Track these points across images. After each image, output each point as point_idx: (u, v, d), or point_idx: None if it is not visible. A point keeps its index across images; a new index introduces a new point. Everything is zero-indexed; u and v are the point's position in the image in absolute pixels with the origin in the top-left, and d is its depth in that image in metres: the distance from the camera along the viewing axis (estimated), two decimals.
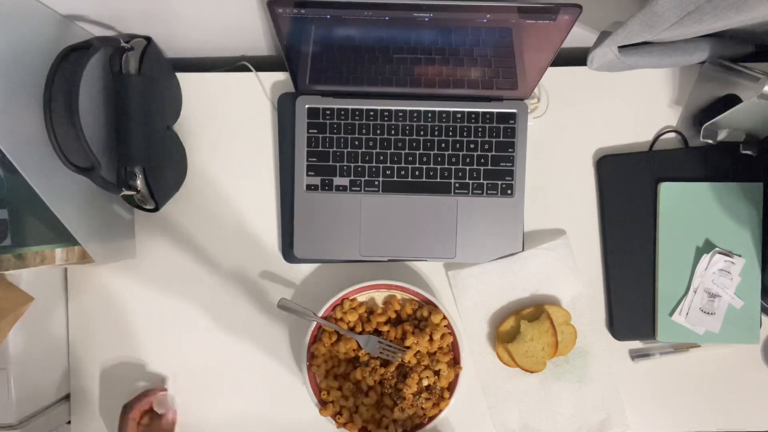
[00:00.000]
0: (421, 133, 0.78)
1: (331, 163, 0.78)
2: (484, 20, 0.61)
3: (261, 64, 0.81)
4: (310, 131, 0.78)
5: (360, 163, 0.78)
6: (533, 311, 0.80)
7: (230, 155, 0.82)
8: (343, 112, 0.78)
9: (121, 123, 0.69)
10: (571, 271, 0.80)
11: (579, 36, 0.71)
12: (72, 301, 0.82)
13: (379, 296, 0.80)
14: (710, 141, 0.77)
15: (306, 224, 0.79)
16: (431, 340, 0.76)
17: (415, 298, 0.79)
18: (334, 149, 0.78)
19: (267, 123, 0.82)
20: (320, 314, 0.76)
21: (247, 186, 0.82)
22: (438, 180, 0.78)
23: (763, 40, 0.74)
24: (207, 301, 0.82)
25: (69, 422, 0.82)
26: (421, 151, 0.78)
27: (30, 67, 0.60)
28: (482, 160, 0.78)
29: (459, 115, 0.78)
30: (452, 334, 0.77)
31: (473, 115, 0.78)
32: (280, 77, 0.81)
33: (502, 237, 0.79)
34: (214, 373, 0.82)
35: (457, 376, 0.76)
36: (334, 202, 0.79)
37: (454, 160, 0.78)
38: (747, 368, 0.81)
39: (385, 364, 0.76)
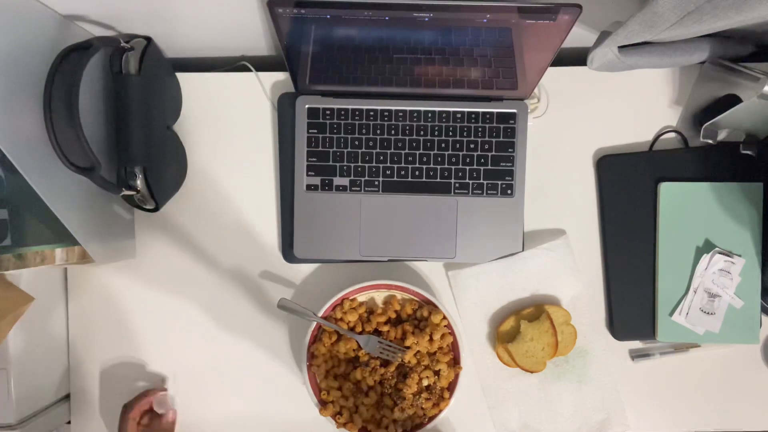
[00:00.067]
0: (421, 133, 0.78)
1: (331, 163, 0.78)
2: (484, 20, 0.61)
3: (261, 64, 0.81)
4: (310, 131, 0.78)
5: (360, 163, 0.78)
6: (533, 311, 0.80)
7: (230, 155, 0.82)
8: (343, 112, 0.78)
9: (121, 123, 0.69)
10: (571, 271, 0.80)
11: (579, 36, 0.71)
12: (72, 301, 0.82)
13: (379, 296, 0.80)
14: (710, 141, 0.77)
15: (306, 224, 0.79)
16: (431, 340, 0.76)
17: (415, 298, 0.79)
18: (334, 149, 0.78)
19: (267, 123, 0.82)
20: (320, 314, 0.76)
21: (247, 186, 0.82)
22: (438, 180, 0.78)
23: (763, 40, 0.74)
24: (207, 301, 0.82)
25: (69, 422, 0.82)
26: (421, 151, 0.78)
27: (30, 67, 0.60)
28: (482, 160, 0.78)
29: (459, 115, 0.78)
30: (452, 334, 0.77)
31: (473, 115, 0.78)
32: (280, 77, 0.81)
33: (502, 237, 0.79)
34: (214, 373, 0.82)
35: (457, 376, 0.76)
36: (334, 202, 0.79)
37: (454, 160, 0.78)
38: (747, 368, 0.81)
39: (385, 364, 0.76)
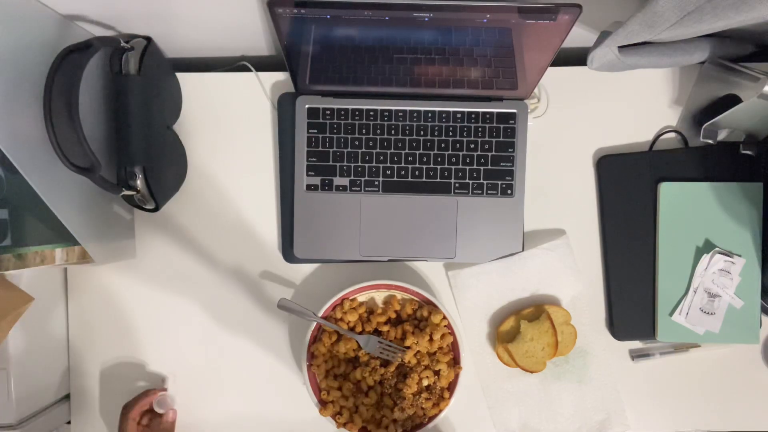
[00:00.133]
0: (421, 133, 0.78)
1: (331, 163, 0.78)
2: (484, 20, 0.61)
3: (261, 64, 0.81)
4: (310, 131, 0.78)
5: (360, 163, 0.78)
6: (533, 311, 0.80)
7: (230, 155, 0.82)
8: (343, 112, 0.78)
9: (121, 123, 0.69)
10: (571, 271, 0.80)
11: (579, 36, 0.71)
12: (72, 301, 0.82)
13: (379, 296, 0.80)
14: (710, 141, 0.77)
15: (306, 224, 0.79)
16: (431, 340, 0.76)
17: (415, 298, 0.79)
18: (334, 149, 0.78)
19: (267, 123, 0.82)
20: (320, 314, 0.76)
21: (247, 186, 0.82)
22: (438, 180, 0.78)
23: (763, 40, 0.74)
24: (207, 301, 0.82)
25: (69, 422, 0.82)
26: (421, 151, 0.78)
27: (30, 67, 0.60)
28: (482, 160, 0.78)
29: (459, 115, 0.78)
30: (452, 334, 0.77)
31: (473, 115, 0.78)
32: (280, 77, 0.81)
33: (502, 237, 0.79)
34: (214, 372, 0.82)
35: (457, 376, 0.76)
36: (334, 202, 0.79)
37: (454, 160, 0.78)
38: (747, 368, 0.81)
39: (385, 364, 0.76)
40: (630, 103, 0.81)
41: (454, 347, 0.77)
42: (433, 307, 0.77)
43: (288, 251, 0.80)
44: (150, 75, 0.70)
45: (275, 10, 0.60)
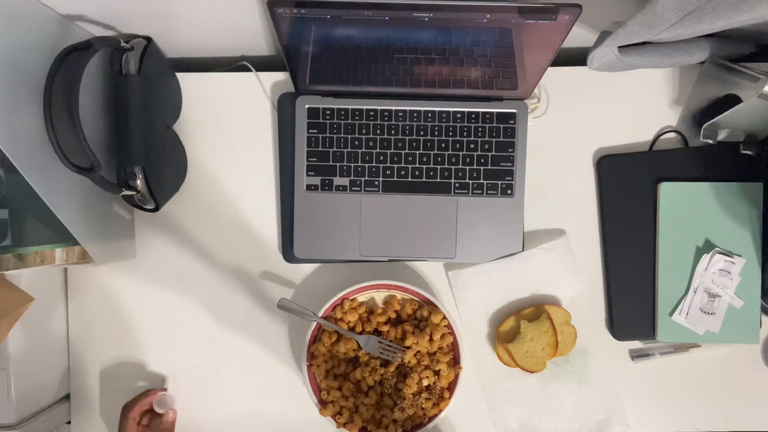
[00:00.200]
0: (421, 133, 0.78)
1: (331, 163, 0.78)
2: (484, 20, 0.61)
3: (261, 64, 0.81)
4: (310, 131, 0.78)
5: (360, 163, 0.78)
6: (533, 311, 0.80)
7: (230, 155, 0.82)
8: (343, 112, 0.78)
9: (121, 123, 0.69)
10: (571, 271, 0.80)
11: (579, 36, 0.71)
12: (72, 301, 0.82)
13: (379, 296, 0.80)
14: (710, 141, 0.77)
15: (306, 224, 0.79)
16: (431, 340, 0.76)
17: (415, 298, 0.79)
18: (334, 149, 0.78)
19: (267, 123, 0.82)
20: (320, 314, 0.76)
21: (247, 186, 0.82)
22: (438, 180, 0.78)
23: (763, 40, 0.74)
24: (207, 300, 0.82)
25: (69, 422, 0.82)
26: (421, 151, 0.78)
27: (30, 67, 0.60)
28: (482, 160, 0.78)
29: (459, 115, 0.78)
30: (452, 334, 0.77)
31: (473, 115, 0.78)
32: (280, 77, 0.81)
33: (502, 237, 0.79)
34: (214, 373, 0.82)
35: (457, 376, 0.76)
36: (334, 202, 0.79)
37: (454, 160, 0.78)
38: (747, 368, 0.81)
39: (385, 364, 0.76)
40: (630, 103, 0.81)
41: (454, 347, 0.77)
42: (433, 307, 0.77)
43: (288, 251, 0.80)
44: (150, 75, 0.70)
45: (275, 10, 0.60)
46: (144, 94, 0.69)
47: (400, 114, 0.78)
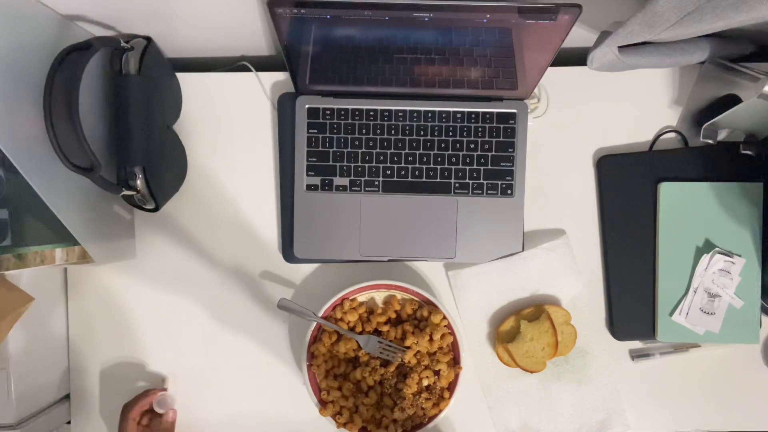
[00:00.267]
0: (421, 133, 0.78)
1: (331, 163, 0.78)
2: (484, 20, 0.61)
3: (261, 64, 0.81)
4: (310, 131, 0.78)
5: (360, 163, 0.78)
6: (533, 311, 0.80)
7: (230, 155, 0.82)
8: (343, 112, 0.78)
9: (121, 123, 0.69)
10: (571, 271, 0.80)
11: (579, 36, 0.71)
12: (72, 301, 0.82)
13: (379, 296, 0.80)
14: (710, 141, 0.77)
15: (306, 224, 0.79)
16: (431, 340, 0.76)
17: (415, 298, 0.79)
18: (334, 149, 0.78)
19: (267, 123, 0.82)
20: (320, 314, 0.76)
21: (247, 186, 0.82)
22: (438, 180, 0.78)
23: (763, 40, 0.74)
24: (207, 300, 0.82)
25: (69, 422, 0.82)
26: (421, 151, 0.78)
27: (30, 67, 0.60)
28: (482, 160, 0.78)
29: (459, 115, 0.78)
30: (452, 334, 0.77)
31: (473, 115, 0.78)
32: (280, 77, 0.81)
33: (502, 237, 0.79)
34: (213, 373, 0.82)
35: (457, 376, 0.76)
36: (334, 202, 0.79)
37: (454, 160, 0.78)
38: (747, 368, 0.81)
39: (385, 364, 0.76)
40: (630, 103, 0.81)
41: (454, 347, 0.77)
42: (433, 307, 0.77)
43: (288, 251, 0.80)
44: (150, 75, 0.70)
45: (275, 10, 0.60)
46: (144, 94, 0.69)
47: (400, 114, 0.78)
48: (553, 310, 0.79)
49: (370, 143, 0.78)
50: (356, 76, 0.74)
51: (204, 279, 0.82)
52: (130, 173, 0.70)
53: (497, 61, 0.69)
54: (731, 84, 0.73)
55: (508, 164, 0.78)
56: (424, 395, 0.75)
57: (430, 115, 0.78)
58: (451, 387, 0.76)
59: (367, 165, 0.78)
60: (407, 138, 0.78)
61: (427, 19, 0.60)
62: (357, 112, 0.78)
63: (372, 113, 0.78)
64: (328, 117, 0.78)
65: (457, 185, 0.78)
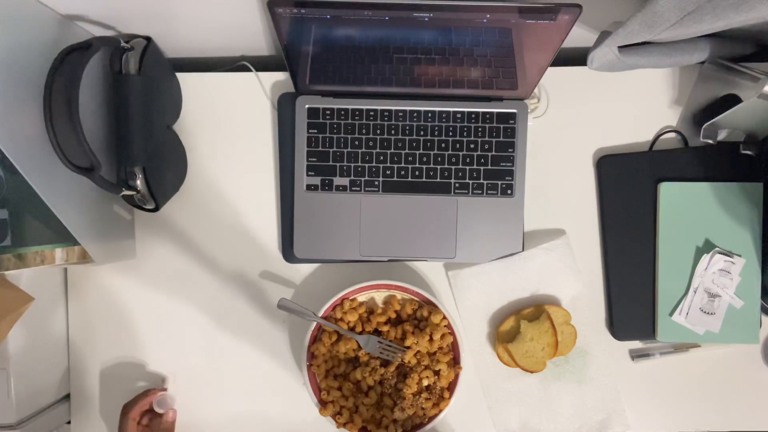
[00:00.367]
0: (421, 133, 0.78)
1: (331, 163, 0.78)
2: (484, 20, 0.61)
3: (261, 64, 0.81)
4: (310, 131, 0.78)
5: (360, 163, 0.78)
6: (533, 311, 0.80)
7: (230, 155, 0.82)
8: (343, 112, 0.78)
9: (121, 123, 0.69)
10: (571, 271, 0.80)
11: (579, 36, 0.71)
12: (72, 301, 0.82)
13: (379, 296, 0.80)
14: (710, 141, 0.77)
15: (306, 224, 0.79)
16: (431, 340, 0.76)
17: (415, 298, 0.79)
18: (334, 149, 0.78)
19: (267, 123, 0.82)
20: (320, 314, 0.76)
21: (247, 186, 0.82)
22: (438, 180, 0.78)
23: (763, 40, 0.74)
24: (207, 301, 0.82)
25: (69, 422, 0.82)
26: (421, 151, 0.78)
27: (30, 67, 0.60)
28: (482, 160, 0.78)
29: (459, 115, 0.78)
30: (452, 334, 0.77)
31: (473, 115, 0.78)
32: (280, 77, 0.81)
33: (502, 237, 0.79)
34: (214, 373, 0.82)
35: (457, 376, 0.76)
36: (334, 202, 0.79)
37: (454, 160, 0.78)
38: (747, 368, 0.81)
39: (385, 364, 0.76)
40: (630, 103, 0.81)
41: (454, 347, 0.77)
42: (433, 307, 0.77)
43: (288, 251, 0.80)
44: (150, 75, 0.70)
45: (275, 10, 0.60)
46: (144, 94, 0.69)
47: (400, 114, 0.78)
48: (553, 310, 0.79)
49: (370, 143, 0.78)
50: (356, 76, 0.74)
51: (204, 279, 0.82)
52: (130, 173, 0.70)
53: (497, 61, 0.69)
54: (731, 84, 0.73)
55: (508, 164, 0.78)
56: (424, 395, 0.75)
57: (430, 115, 0.78)
58: (451, 387, 0.76)
59: (367, 165, 0.78)
60: (407, 138, 0.78)
61: (427, 19, 0.60)
62: (357, 112, 0.78)
63: (372, 113, 0.78)
64: (328, 117, 0.78)
65: (457, 185, 0.78)
